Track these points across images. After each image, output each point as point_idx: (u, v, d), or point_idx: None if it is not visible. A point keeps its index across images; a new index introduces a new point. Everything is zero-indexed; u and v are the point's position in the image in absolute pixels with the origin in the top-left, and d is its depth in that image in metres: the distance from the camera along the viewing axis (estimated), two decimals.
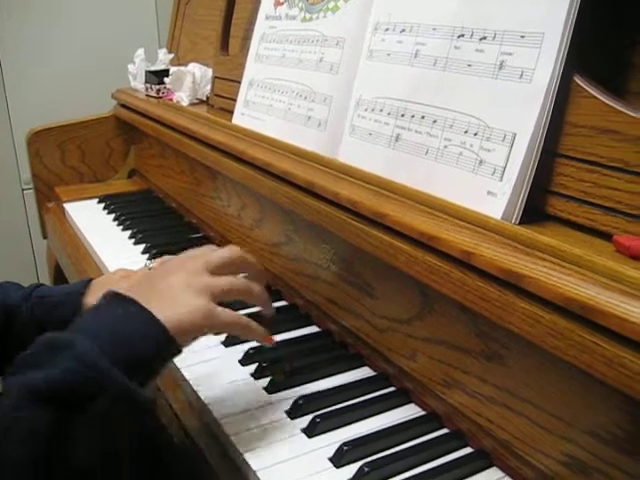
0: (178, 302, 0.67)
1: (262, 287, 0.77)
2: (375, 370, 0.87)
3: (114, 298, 0.67)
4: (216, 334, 0.87)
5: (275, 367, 0.85)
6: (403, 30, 0.81)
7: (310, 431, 0.74)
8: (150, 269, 0.95)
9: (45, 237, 1.75)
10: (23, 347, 0.89)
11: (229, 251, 0.77)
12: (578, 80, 0.63)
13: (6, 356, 0.90)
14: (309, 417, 0.76)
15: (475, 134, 0.70)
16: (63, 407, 0.58)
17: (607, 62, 0.66)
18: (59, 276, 1.68)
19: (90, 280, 0.95)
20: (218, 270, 0.74)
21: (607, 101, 0.61)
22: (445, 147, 0.73)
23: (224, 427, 0.75)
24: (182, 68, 1.46)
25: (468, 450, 0.73)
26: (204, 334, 0.70)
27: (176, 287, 0.69)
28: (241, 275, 0.77)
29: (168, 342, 0.64)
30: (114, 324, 0.64)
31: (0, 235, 2.34)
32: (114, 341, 0.62)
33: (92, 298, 0.90)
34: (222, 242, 1.29)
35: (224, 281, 0.72)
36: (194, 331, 0.68)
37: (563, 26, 0.62)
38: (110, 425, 0.60)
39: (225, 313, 0.70)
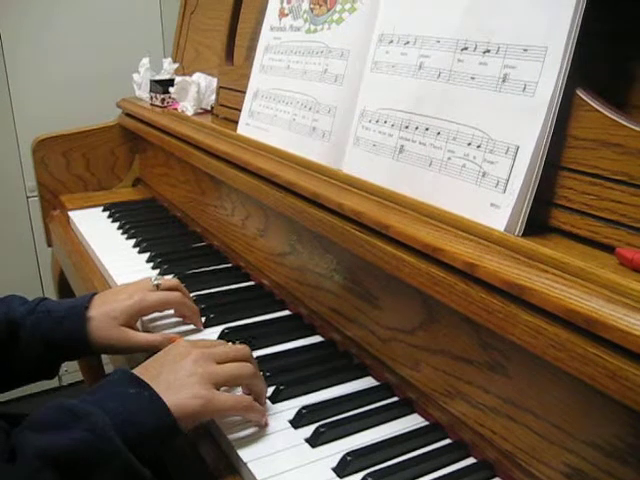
0: (182, 389, 0.73)
1: (263, 379, 0.82)
2: (378, 380, 0.87)
3: (130, 379, 0.73)
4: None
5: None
6: (407, 42, 0.82)
7: (314, 441, 0.74)
8: (157, 286, 0.97)
9: (50, 245, 1.75)
10: (27, 360, 0.91)
11: (241, 349, 0.82)
12: (580, 93, 0.63)
13: (11, 369, 0.91)
14: (313, 427, 0.76)
15: (478, 146, 0.70)
16: (74, 473, 0.63)
17: (610, 75, 0.66)
18: (63, 284, 1.69)
19: (93, 295, 0.96)
20: (223, 359, 0.79)
21: (609, 114, 0.61)
22: (449, 159, 0.74)
23: (227, 436, 0.75)
24: (187, 78, 1.47)
25: (471, 461, 0.73)
26: (207, 419, 0.77)
27: (182, 374, 0.75)
28: None
29: (173, 426, 0.70)
30: (127, 403, 0.70)
31: (5, 242, 2.35)
32: (126, 419, 0.68)
33: (96, 312, 0.92)
34: (226, 251, 1.29)
35: (228, 369, 0.78)
36: (194, 417, 0.73)
37: (566, 40, 0.63)
38: None
39: (225, 399, 0.75)
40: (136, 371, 0.76)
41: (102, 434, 0.65)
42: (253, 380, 0.79)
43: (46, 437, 0.64)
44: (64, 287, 1.69)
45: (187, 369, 0.75)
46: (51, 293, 2.04)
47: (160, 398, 0.71)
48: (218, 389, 0.76)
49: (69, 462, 0.63)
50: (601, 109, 0.62)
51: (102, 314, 0.92)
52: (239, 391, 0.82)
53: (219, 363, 0.78)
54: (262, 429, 0.77)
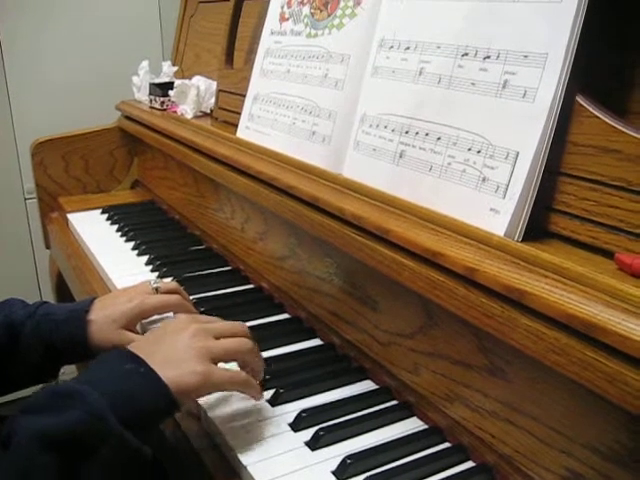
0: (179, 364, 0.72)
1: (260, 356, 0.82)
2: (378, 384, 0.87)
3: (125, 355, 0.73)
4: None
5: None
6: (408, 48, 0.82)
7: (313, 444, 0.75)
8: (156, 289, 0.97)
9: (48, 247, 1.76)
10: (27, 364, 0.91)
11: (237, 325, 0.83)
12: (580, 100, 0.64)
13: (11, 372, 0.91)
14: (312, 430, 0.76)
15: (478, 152, 0.71)
16: (72, 454, 0.63)
17: (609, 82, 0.67)
18: (61, 286, 1.69)
19: (93, 299, 0.97)
20: (221, 334, 0.79)
21: (609, 121, 0.61)
22: (449, 164, 0.74)
23: (227, 439, 0.75)
24: (186, 81, 1.48)
25: (470, 464, 0.73)
26: (204, 394, 0.76)
27: (179, 349, 0.74)
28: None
29: (170, 402, 0.70)
30: (123, 381, 0.69)
31: (2, 244, 2.35)
32: (122, 397, 0.67)
33: (96, 315, 0.92)
34: (225, 254, 1.29)
35: (225, 343, 0.78)
36: (192, 392, 0.73)
37: (566, 47, 0.63)
38: (113, 472, 0.65)
39: (222, 374, 0.75)
40: (132, 346, 0.76)
41: (97, 414, 0.64)
42: (251, 356, 0.79)
43: (40, 420, 0.63)
44: (62, 289, 1.69)
45: (184, 344, 0.75)
46: (48, 295, 2.04)
47: (157, 374, 0.70)
48: (215, 364, 0.76)
49: (65, 443, 0.62)
50: (601, 115, 0.62)
51: (102, 317, 0.93)
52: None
53: (217, 338, 0.78)
54: (263, 433, 0.77)
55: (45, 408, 0.65)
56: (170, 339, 0.76)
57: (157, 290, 0.99)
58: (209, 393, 0.77)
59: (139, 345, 0.77)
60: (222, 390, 0.77)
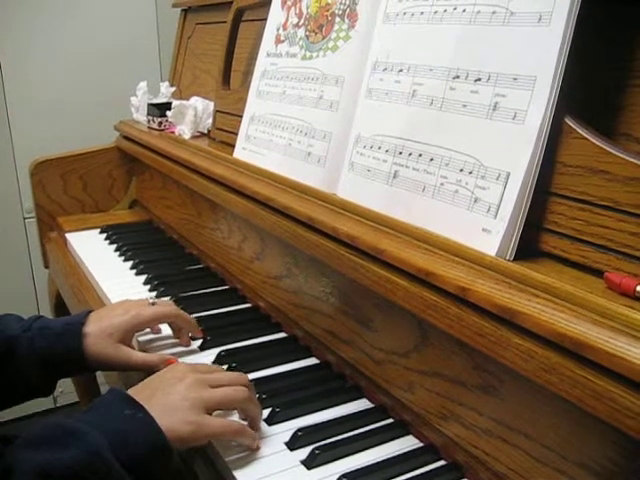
0: (174, 413, 0.74)
1: (258, 404, 0.83)
2: (373, 402, 0.88)
3: (124, 399, 0.74)
4: None
5: None
6: (401, 70, 0.84)
7: (309, 463, 0.75)
8: (153, 304, 0.98)
9: (47, 266, 1.76)
10: (24, 377, 0.91)
11: (238, 376, 0.84)
12: (569, 122, 0.65)
13: (7, 386, 0.92)
14: (308, 449, 0.77)
15: (470, 172, 0.72)
16: None
17: (597, 104, 0.68)
18: (60, 306, 1.69)
19: (89, 312, 0.97)
20: (219, 385, 0.80)
21: (597, 142, 0.63)
22: (441, 185, 0.75)
23: (223, 457, 0.76)
24: (184, 102, 1.49)
25: None
26: (199, 444, 0.77)
27: (175, 398, 0.76)
28: None
29: (165, 447, 0.71)
30: (121, 424, 0.71)
31: (1, 263, 2.35)
32: (119, 439, 0.68)
33: (91, 328, 0.93)
34: (222, 274, 1.30)
35: (220, 394, 0.79)
36: (185, 441, 0.74)
37: (554, 70, 0.65)
38: None
39: (215, 424, 0.76)
40: (131, 392, 0.77)
41: (97, 453, 0.65)
42: (246, 405, 0.80)
43: (42, 455, 0.64)
44: (61, 309, 1.69)
45: (180, 393, 0.76)
46: (47, 314, 2.02)
47: (154, 420, 0.71)
48: (211, 413, 0.77)
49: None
50: (589, 137, 0.63)
51: (98, 330, 0.93)
52: (235, 415, 0.82)
53: (214, 387, 0.79)
54: (259, 451, 0.77)
55: (47, 443, 0.66)
56: (168, 387, 0.77)
57: (153, 305, 1.00)
58: (204, 442, 0.77)
59: (138, 390, 0.78)
60: (217, 439, 0.78)
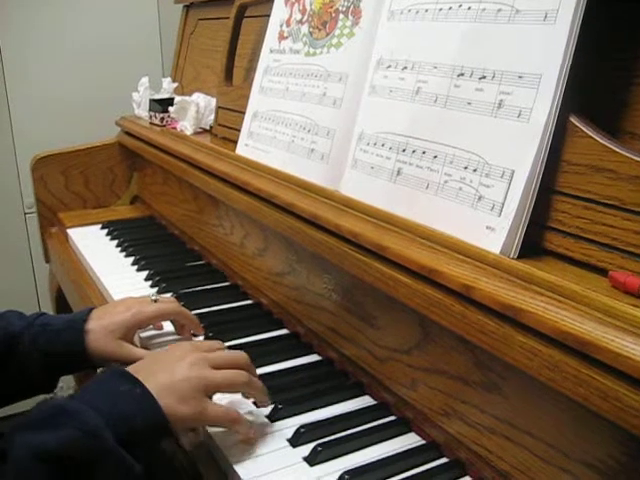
0: (174, 392, 0.73)
1: (260, 385, 0.82)
2: (375, 399, 0.88)
3: (122, 375, 0.74)
4: None
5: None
6: (405, 67, 0.84)
7: (312, 460, 0.75)
8: (155, 300, 0.98)
9: (47, 262, 1.76)
10: (25, 374, 0.91)
11: (238, 355, 0.84)
12: (574, 120, 0.65)
13: (9, 383, 0.92)
14: (311, 445, 0.77)
15: (474, 170, 0.72)
16: (67, 470, 0.63)
17: (602, 102, 0.68)
18: (61, 301, 1.69)
19: (92, 309, 0.97)
20: (219, 365, 0.79)
21: (602, 140, 0.63)
22: (445, 182, 0.75)
23: (226, 454, 0.76)
24: (186, 98, 1.49)
25: (468, 479, 0.74)
26: (196, 426, 0.77)
27: (176, 377, 0.75)
28: None
29: (164, 425, 0.71)
30: (119, 400, 0.70)
31: (2, 258, 2.35)
32: (117, 416, 0.68)
33: (93, 324, 0.93)
34: (224, 270, 1.30)
35: (221, 376, 0.78)
36: (184, 422, 0.74)
37: (560, 68, 0.65)
38: None
39: (216, 411, 0.76)
40: (130, 368, 0.76)
41: (93, 432, 0.65)
42: (247, 388, 0.80)
43: (37, 436, 0.64)
44: (61, 304, 1.69)
45: (182, 372, 0.76)
46: (48, 310, 2.02)
47: (152, 396, 0.71)
48: (211, 396, 0.77)
49: (60, 460, 0.63)
50: (594, 135, 0.63)
51: (100, 327, 0.93)
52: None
53: (215, 368, 0.79)
54: (261, 447, 0.77)
55: (41, 424, 0.65)
56: (169, 365, 0.77)
57: (156, 302, 1.00)
58: (201, 425, 0.77)
59: (137, 367, 0.78)
60: (214, 426, 0.78)
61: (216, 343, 0.88)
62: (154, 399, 0.71)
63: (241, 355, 0.83)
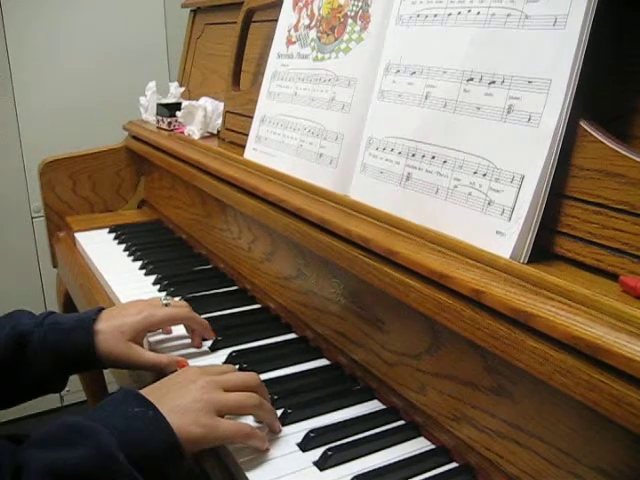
0: (186, 414, 0.74)
1: (271, 407, 0.82)
2: (385, 404, 0.88)
3: (135, 397, 0.74)
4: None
5: None
6: (414, 72, 0.84)
7: (322, 464, 0.75)
8: (167, 304, 0.98)
9: (55, 266, 1.77)
10: (35, 373, 0.92)
11: (249, 377, 0.84)
12: (584, 125, 0.65)
13: (19, 382, 0.92)
14: (321, 450, 0.77)
15: (484, 175, 0.72)
16: None
17: (612, 107, 0.68)
18: (68, 305, 1.70)
19: (101, 309, 0.98)
20: (231, 388, 0.80)
21: (612, 145, 0.63)
22: (455, 187, 0.75)
23: (235, 458, 0.76)
24: (194, 102, 1.49)
25: None
26: (209, 446, 0.76)
27: (187, 400, 0.76)
28: None
29: (176, 447, 0.71)
30: (131, 422, 0.70)
31: (9, 263, 2.36)
32: (129, 437, 0.68)
33: (103, 325, 0.93)
34: (232, 274, 1.30)
35: (232, 398, 0.79)
36: (196, 443, 0.74)
37: (570, 73, 0.65)
38: None
39: (227, 427, 0.76)
40: (142, 391, 0.77)
41: (107, 452, 0.65)
42: (258, 411, 0.80)
43: (51, 454, 0.64)
44: (69, 309, 1.70)
45: (193, 395, 0.76)
46: None
47: (164, 418, 0.71)
48: (222, 417, 0.77)
49: (75, 479, 0.63)
50: (604, 140, 0.63)
51: (110, 327, 0.94)
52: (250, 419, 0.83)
53: (227, 391, 0.79)
54: (271, 452, 0.77)
55: (57, 442, 0.66)
56: (180, 389, 0.78)
57: (167, 306, 1.00)
58: (214, 445, 0.77)
59: (149, 390, 0.78)
60: (228, 443, 0.78)
61: (227, 366, 0.88)
62: (166, 421, 0.71)
63: (252, 377, 0.84)
